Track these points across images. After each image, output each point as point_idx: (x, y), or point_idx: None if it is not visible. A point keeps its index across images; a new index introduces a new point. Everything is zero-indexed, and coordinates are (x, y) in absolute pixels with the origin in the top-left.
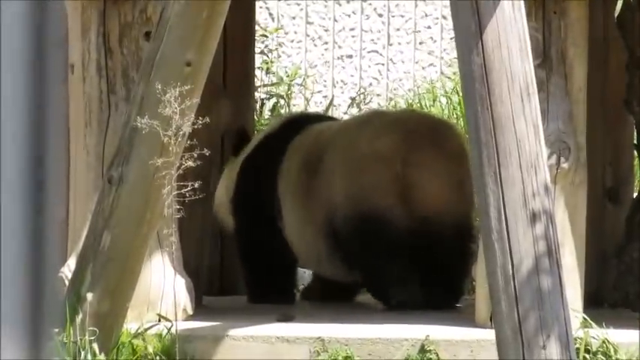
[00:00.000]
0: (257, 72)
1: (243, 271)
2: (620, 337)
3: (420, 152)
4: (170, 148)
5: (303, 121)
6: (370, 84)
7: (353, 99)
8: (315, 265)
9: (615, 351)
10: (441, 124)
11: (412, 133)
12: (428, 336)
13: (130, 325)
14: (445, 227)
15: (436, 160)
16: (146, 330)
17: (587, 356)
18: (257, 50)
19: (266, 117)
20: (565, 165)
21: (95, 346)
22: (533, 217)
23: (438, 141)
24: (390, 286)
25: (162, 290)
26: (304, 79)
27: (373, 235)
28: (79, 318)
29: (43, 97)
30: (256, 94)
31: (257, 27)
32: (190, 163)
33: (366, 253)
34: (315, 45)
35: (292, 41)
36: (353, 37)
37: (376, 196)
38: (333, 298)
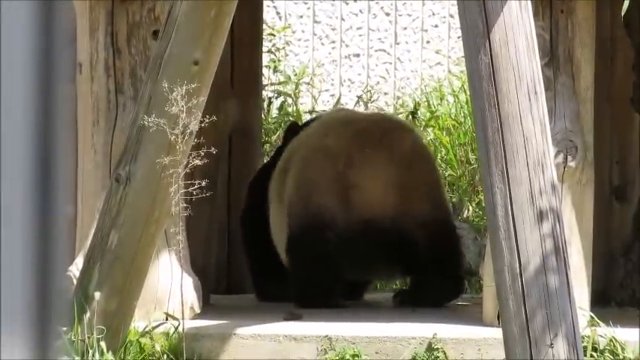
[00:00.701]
0: (264, 71)
1: (249, 271)
2: (628, 335)
3: (365, 153)
4: (177, 147)
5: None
6: (377, 82)
7: (360, 97)
8: (284, 258)
9: (622, 349)
10: (397, 127)
11: (362, 132)
12: (435, 334)
13: (138, 324)
14: (386, 231)
15: (380, 162)
16: (153, 328)
17: (595, 354)
18: (264, 49)
19: (273, 116)
20: (572, 163)
21: (103, 344)
22: (541, 216)
23: (387, 143)
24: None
25: (169, 289)
26: (312, 78)
27: (308, 236)
28: (86, 316)
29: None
30: (264, 93)
31: (264, 26)
32: (197, 162)
33: (296, 250)
34: (323, 44)
35: (300, 40)
36: (360, 35)
37: (317, 194)
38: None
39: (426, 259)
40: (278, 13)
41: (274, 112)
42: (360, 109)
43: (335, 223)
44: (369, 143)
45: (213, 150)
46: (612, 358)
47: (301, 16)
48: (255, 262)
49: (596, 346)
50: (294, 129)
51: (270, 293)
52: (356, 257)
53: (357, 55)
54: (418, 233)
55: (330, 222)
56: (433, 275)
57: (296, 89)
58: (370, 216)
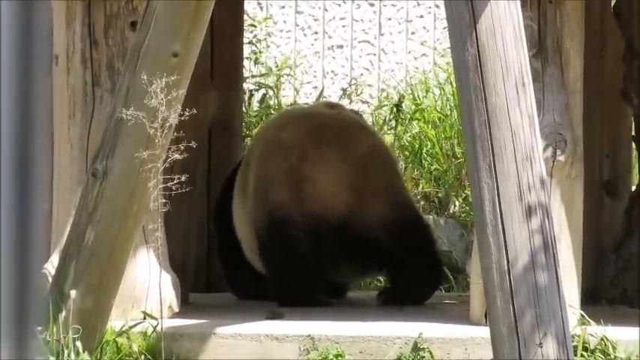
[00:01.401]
0: (245, 62)
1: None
2: (619, 334)
3: (320, 149)
4: (156, 141)
5: None
6: (361, 74)
7: (344, 90)
8: (249, 257)
9: (614, 349)
10: (356, 128)
11: (318, 128)
12: (421, 333)
13: (115, 323)
14: (340, 228)
15: (334, 160)
16: (131, 328)
17: (585, 354)
18: (245, 40)
19: (254, 109)
20: (561, 157)
21: (78, 344)
22: (529, 211)
23: (344, 142)
24: (280, 286)
25: (147, 287)
26: (293, 70)
27: (273, 235)
28: (62, 315)
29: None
30: (244, 86)
31: (245, 16)
32: (177, 156)
33: (271, 254)
34: (305, 35)
35: (281, 31)
36: (344, 26)
37: (273, 190)
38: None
39: (397, 256)
40: (259, 3)
41: (255, 104)
42: (344, 102)
43: (291, 218)
44: (324, 140)
45: (192, 144)
46: (603, 357)
47: (283, 7)
48: (225, 257)
49: (587, 345)
50: None
51: (244, 287)
52: (318, 254)
53: (341, 47)
54: (377, 233)
55: (286, 218)
56: (410, 270)
57: (277, 81)
58: (322, 211)
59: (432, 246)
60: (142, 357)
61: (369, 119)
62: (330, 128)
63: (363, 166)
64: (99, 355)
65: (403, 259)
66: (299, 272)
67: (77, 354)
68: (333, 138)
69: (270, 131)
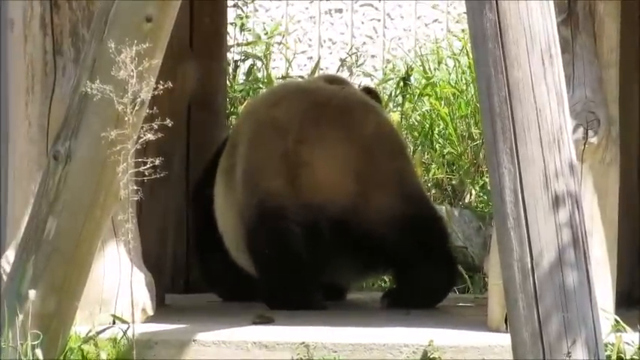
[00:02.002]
0: (229, 29)
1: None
2: None
3: (320, 128)
4: (126, 119)
5: None
6: (364, 43)
7: (343, 61)
8: (236, 256)
9: None
10: (361, 105)
11: (318, 106)
12: (432, 341)
13: (80, 328)
14: (342, 222)
15: (337, 142)
16: (98, 333)
17: None
18: (230, 3)
19: (240, 82)
20: (593, 140)
21: (38, 352)
22: (556, 201)
23: (347, 121)
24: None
25: (117, 287)
26: (285, 38)
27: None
28: (19, 319)
29: None
30: (229, 56)
31: None
32: (150, 136)
33: (259, 249)
34: None
35: None
36: None
37: (264, 177)
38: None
39: (405, 254)
40: None
41: (241, 77)
42: (344, 74)
43: (285, 209)
44: (325, 119)
45: (168, 122)
46: None
47: None
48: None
49: (622, 355)
50: None
51: (224, 284)
52: (314, 251)
53: (340, 11)
54: (384, 228)
55: (279, 208)
56: (420, 269)
57: (267, 51)
58: (322, 202)
59: (446, 242)
60: None
61: None
62: (330, 106)
63: (369, 150)
64: None
65: (412, 257)
66: (292, 271)
67: None
68: (335, 117)
69: (262, 109)
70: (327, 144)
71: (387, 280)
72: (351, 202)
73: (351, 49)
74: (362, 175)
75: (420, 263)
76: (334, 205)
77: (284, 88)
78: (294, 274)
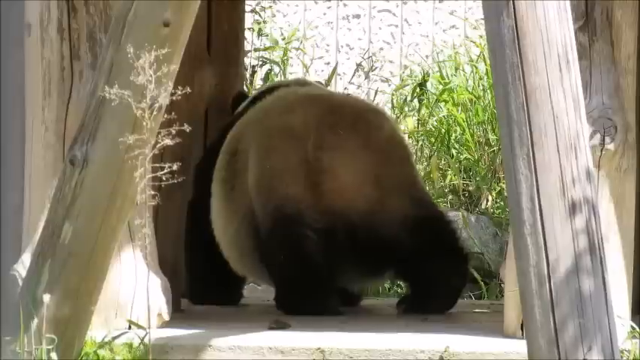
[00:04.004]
0: (247, 34)
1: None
2: None
3: (338, 134)
4: (144, 124)
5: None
6: (381, 49)
7: (360, 66)
8: (237, 264)
9: None
10: (372, 111)
11: (333, 111)
12: (448, 347)
13: (95, 333)
14: (361, 226)
15: (355, 148)
16: (114, 339)
17: None
18: (247, 8)
19: (258, 87)
20: (611, 146)
21: (54, 356)
22: (573, 208)
23: (363, 127)
24: (285, 291)
25: (133, 292)
26: (303, 43)
27: (279, 233)
28: (34, 324)
29: None
30: (246, 61)
31: None
32: (168, 141)
33: (275, 255)
34: (316, 2)
35: None
36: None
37: (281, 183)
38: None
39: (418, 258)
40: None
41: (258, 82)
42: (360, 79)
43: (302, 215)
44: (342, 125)
45: (186, 127)
46: None
47: None
48: (194, 261)
49: None
50: (242, 100)
51: (206, 297)
52: (330, 255)
53: (357, 17)
54: (397, 232)
55: (296, 214)
56: (434, 275)
57: (284, 56)
58: (343, 207)
59: (457, 240)
60: None
61: (388, 100)
62: (344, 111)
63: (386, 155)
64: None
65: (425, 261)
66: (308, 276)
67: None
68: (351, 122)
69: (273, 115)
70: (347, 150)
71: (402, 286)
72: (369, 206)
73: (368, 54)
74: (380, 180)
75: (434, 262)
76: (354, 210)
77: (293, 95)
78: (310, 280)
